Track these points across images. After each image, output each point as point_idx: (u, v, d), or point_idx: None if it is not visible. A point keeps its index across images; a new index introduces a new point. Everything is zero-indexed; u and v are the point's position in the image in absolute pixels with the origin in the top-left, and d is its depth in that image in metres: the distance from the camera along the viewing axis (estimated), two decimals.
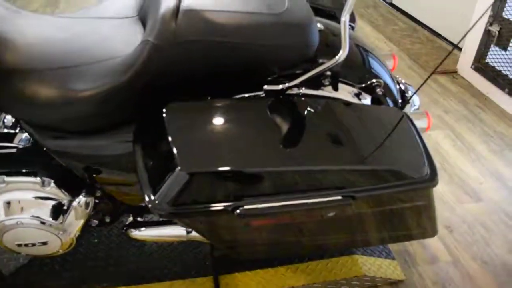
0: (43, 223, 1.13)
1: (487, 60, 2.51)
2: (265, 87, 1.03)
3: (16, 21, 1.09)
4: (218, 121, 0.96)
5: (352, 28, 1.38)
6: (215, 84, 1.03)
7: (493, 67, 2.47)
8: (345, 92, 1.11)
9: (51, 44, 1.06)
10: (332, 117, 1.01)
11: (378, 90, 1.12)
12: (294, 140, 0.94)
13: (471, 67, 2.61)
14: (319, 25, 1.15)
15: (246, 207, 0.90)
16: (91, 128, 1.05)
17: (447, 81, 2.65)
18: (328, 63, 1.01)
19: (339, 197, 0.93)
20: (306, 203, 0.92)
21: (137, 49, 0.97)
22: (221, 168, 0.87)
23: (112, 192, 1.19)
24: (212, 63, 0.99)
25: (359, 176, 0.93)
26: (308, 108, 1.01)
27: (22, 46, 1.02)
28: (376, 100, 1.15)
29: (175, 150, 0.88)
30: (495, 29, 2.40)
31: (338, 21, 1.53)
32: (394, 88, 1.22)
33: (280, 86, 1.03)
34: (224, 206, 0.90)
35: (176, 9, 0.96)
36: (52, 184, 1.12)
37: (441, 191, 1.84)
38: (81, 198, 1.15)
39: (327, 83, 1.06)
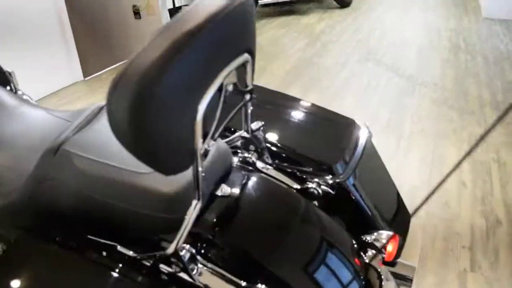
0: None
1: None
2: (118, 248, 0.91)
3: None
4: (42, 273, 0.89)
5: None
6: (80, 227, 0.96)
7: None
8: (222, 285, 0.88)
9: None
10: None
11: None
12: None
13: None
14: (228, 189, 0.96)
15: None
16: None
17: None
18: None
19: None
20: None
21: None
22: None
23: None
24: (71, 207, 0.93)
25: None
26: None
27: None
28: None
29: None
30: None
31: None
32: None
33: (132, 254, 0.90)
34: None
35: (58, 145, 0.94)
36: None
37: None
38: None
39: (177, 269, 0.87)
